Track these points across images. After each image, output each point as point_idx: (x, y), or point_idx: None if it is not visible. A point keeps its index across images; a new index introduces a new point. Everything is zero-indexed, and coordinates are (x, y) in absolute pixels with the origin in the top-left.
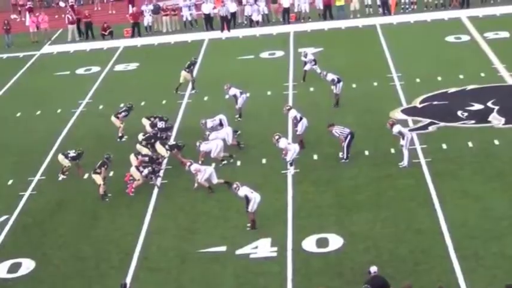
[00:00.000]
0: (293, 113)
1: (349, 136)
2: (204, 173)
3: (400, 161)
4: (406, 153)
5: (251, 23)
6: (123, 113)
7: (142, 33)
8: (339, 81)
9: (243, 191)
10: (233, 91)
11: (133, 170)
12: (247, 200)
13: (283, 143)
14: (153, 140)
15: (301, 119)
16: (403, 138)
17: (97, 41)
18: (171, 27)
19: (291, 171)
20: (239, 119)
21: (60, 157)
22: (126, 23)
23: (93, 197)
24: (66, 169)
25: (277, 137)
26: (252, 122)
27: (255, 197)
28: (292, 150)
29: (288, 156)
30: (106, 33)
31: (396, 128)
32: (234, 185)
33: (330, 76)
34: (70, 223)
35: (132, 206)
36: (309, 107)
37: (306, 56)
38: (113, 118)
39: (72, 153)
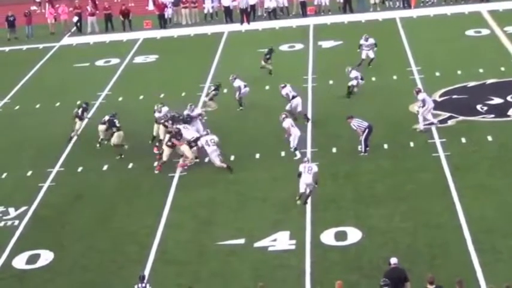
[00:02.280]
0: (287, 90)
1: (367, 130)
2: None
3: (418, 155)
4: (421, 118)
5: (270, 16)
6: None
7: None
8: (362, 78)
9: (287, 122)
10: (238, 83)
11: (185, 148)
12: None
13: (287, 123)
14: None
15: (294, 97)
16: (424, 105)
17: (117, 33)
18: (190, 19)
19: (297, 155)
20: (241, 108)
21: (101, 127)
22: (146, 14)
23: (111, 189)
24: (104, 138)
25: (283, 116)
26: (271, 115)
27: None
28: (293, 135)
29: (291, 142)
30: (124, 19)
31: (421, 96)
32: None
33: (354, 73)
34: (88, 215)
35: (151, 198)
36: (328, 100)
37: (367, 39)
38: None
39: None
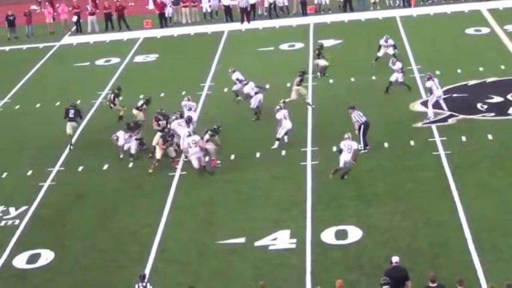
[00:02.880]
0: (248, 88)
1: (362, 126)
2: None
3: (419, 153)
4: (430, 106)
5: (270, 12)
6: (144, 106)
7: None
8: (403, 70)
9: (280, 114)
10: (236, 75)
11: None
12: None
13: (280, 114)
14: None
15: (256, 93)
16: (431, 94)
17: (117, 32)
18: (190, 18)
19: (275, 146)
20: (238, 98)
21: (135, 111)
22: (146, 13)
23: (112, 188)
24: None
25: (278, 107)
26: (272, 114)
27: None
28: (283, 126)
29: (278, 131)
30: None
31: (429, 83)
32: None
33: (399, 65)
34: (89, 214)
35: (151, 198)
36: (328, 99)
37: (387, 41)
38: (135, 111)
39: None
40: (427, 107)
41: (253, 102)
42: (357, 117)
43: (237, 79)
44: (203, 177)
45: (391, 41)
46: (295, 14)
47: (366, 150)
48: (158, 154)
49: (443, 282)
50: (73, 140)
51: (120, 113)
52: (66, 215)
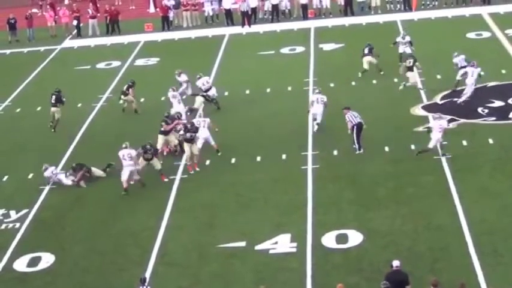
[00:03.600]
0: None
1: (355, 127)
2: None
3: (419, 157)
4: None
5: (272, 15)
6: (129, 89)
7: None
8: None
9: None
10: (184, 77)
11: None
12: None
13: (313, 97)
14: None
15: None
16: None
17: (118, 36)
18: (191, 22)
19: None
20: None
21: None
22: (146, 17)
23: (112, 191)
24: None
25: (317, 90)
26: (272, 118)
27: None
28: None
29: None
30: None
31: (458, 59)
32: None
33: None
34: (89, 217)
35: (152, 201)
36: (329, 103)
37: (404, 37)
38: (122, 97)
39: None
40: (427, 111)
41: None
42: (351, 117)
43: (185, 81)
44: (126, 193)
45: (408, 38)
46: (295, 18)
47: (361, 151)
48: (139, 165)
49: (443, 287)
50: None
51: (125, 105)
52: (67, 218)
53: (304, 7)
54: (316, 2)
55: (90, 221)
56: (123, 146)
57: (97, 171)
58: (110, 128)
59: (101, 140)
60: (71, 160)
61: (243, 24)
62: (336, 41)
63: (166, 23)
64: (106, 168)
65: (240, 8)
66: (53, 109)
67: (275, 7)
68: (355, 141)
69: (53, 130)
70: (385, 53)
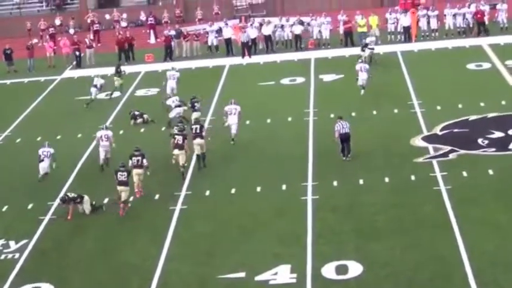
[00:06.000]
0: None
1: (339, 138)
2: None
3: (420, 188)
4: None
5: (267, 49)
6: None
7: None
8: None
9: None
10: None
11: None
12: None
13: (358, 66)
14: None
15: (176, 106)
16: None
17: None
18: (191, 52)
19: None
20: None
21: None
22: (147, 48)
23: (112, 221)
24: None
25: (359, 60)
26: (272, 148)
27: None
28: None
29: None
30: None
31: None
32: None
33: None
34: (89, 247)
35: (152, 230)
36: (329, 133)
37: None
38: (115, 78)
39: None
40: (427, 142)
41: (172, 114)
42: (339, 126)
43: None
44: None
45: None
46: (293, 49)
47: (346, 159)
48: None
49: None
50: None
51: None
52: (66, 248)
53: (298, 37)
54: (316, 33)
55: (90, 251)
56: (102, 127)
57: (86, 204)
58: (111, 158)
59: (100, 171)
60: (71, 190)
61: (243, 55)
62: (336, 72)
63: (170, 53)
64: (94, 207)
65: (240, 38)
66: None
67: (268, 38)
68: (340, 152)
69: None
70: (385, 82)
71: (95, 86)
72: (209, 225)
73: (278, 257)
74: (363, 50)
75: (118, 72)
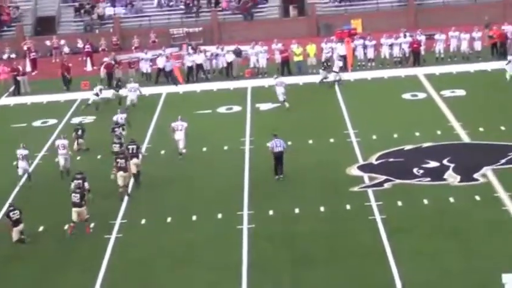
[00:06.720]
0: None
1: (273, 156)
2: None
3: (355, 217)
4: None
5: (188, 78)
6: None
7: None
8: None
9: None
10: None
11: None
12: None
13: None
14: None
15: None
16: None
17: (53, 94)
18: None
19: None
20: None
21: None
22: (84, 75)
23: (47, 251)
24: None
25: None
26: (209, 177)
27: None
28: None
29: None
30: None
31: None
32: None
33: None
34: (22, 277)
35: (86, 259)
36: (265, 161)
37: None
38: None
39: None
40: (363, 171)
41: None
42: (273, 144)
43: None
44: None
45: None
46: (228, 78)
47: (278, 178)
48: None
49: None
50: None
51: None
52: (1, 278)
53: (229, 65)
54: (254, 61)
55: (23, 281)
56: (61, 136)
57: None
58: (44, 187)
59: (38, 199)
60: (5, 218)
61: (175, 83)
62: (273, 101)
63: (113, 80)
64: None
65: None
66: None
67: (200, 66)
68: (273, 167)
69: None
70: (321, 112)
71: (96, 94)
72: (144, 254)
73: (213, 286)
74: (327, 71)
75: (118, 86)
